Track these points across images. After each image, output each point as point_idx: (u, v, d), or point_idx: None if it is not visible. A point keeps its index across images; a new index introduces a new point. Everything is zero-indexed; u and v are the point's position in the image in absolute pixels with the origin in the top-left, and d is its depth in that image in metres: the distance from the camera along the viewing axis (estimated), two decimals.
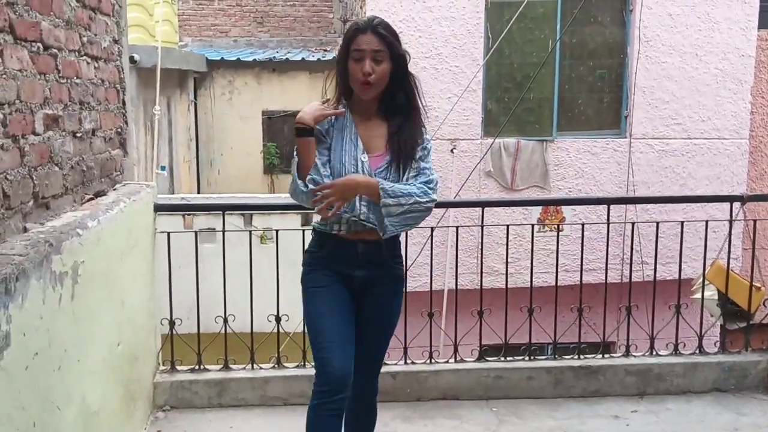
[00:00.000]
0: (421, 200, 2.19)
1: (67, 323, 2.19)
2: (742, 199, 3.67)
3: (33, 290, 1.92)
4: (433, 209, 2.28)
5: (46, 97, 2.33)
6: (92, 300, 2.42)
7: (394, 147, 2.22)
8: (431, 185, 2.23)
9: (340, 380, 2.13)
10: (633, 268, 3.79)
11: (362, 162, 2.21)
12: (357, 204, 2.20)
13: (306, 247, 2.41)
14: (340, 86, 2.25)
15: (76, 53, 2.62)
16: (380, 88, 2.20)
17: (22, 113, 2.15)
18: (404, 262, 2.46)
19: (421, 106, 2.27)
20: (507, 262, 3.64)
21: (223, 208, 3.60)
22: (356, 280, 2.26)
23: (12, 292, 1.78)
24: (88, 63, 2.74)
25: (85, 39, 2.70)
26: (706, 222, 3.68)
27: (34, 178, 2.24)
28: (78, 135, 2.62)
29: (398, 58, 2.19)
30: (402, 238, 2.56)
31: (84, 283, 2.31)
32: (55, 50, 2.41)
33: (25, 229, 2.17)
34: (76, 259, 2.25)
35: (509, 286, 3.59)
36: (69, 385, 2.21)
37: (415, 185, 2.21)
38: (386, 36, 2.17)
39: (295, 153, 2.24)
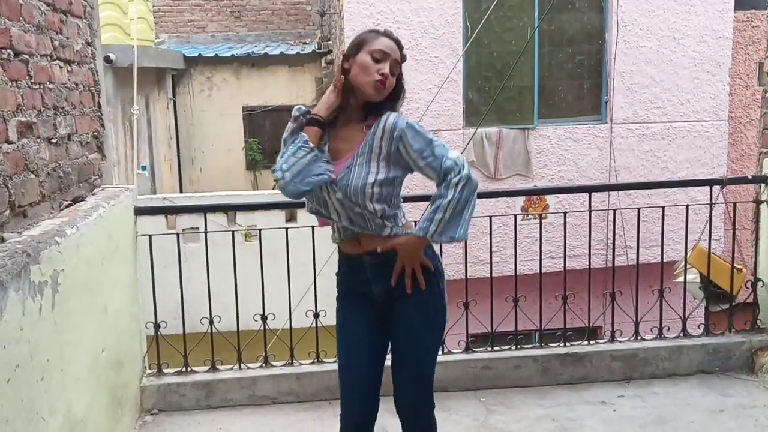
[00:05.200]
0: (454, 196, 2.06)
1: (48, 333, 2.17)
2: (722, 182, 3.70)
3: (12, 302, 1.90)
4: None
5: (19, 104, 2.30)
6: (74, 308, 2.40)
7: (366, 146, 2.10)
8: (449, 169, 2.07)
9: (360, 418, 2.26)
10: (617, 253, 3.81)
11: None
12: (335, 214, 2.16)
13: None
14: (341, 84, 2.14)
15: (48, 58, 2.58)
16: (386, 94, 2.14)
17: None
18: (437, 268, 2.23)
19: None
20: (491, 252, 3.65)
21: (205, 209, 3.57)
22: (376, 297, 2.22)
23: None
24: (60, 67, 2.70)
25: (56, 43, 2.66)
26: (687, 206, 3.71)
27: (10, 186, 2.21)
28: (53, 141, 2.58)
29: (401, 76, 2.18)
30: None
31: (64, 292, 2.29)
32: (27, 56, 2.37)
33: (2, 239, 2.14)
34: (55, 267, 2.23)
35: (495, 274, 3.61)
36: (53, 395, 2.19)
37: (437, 191, 2.11)
38: (402, 53, 2.17)
39: (286, 138, 2.14)
